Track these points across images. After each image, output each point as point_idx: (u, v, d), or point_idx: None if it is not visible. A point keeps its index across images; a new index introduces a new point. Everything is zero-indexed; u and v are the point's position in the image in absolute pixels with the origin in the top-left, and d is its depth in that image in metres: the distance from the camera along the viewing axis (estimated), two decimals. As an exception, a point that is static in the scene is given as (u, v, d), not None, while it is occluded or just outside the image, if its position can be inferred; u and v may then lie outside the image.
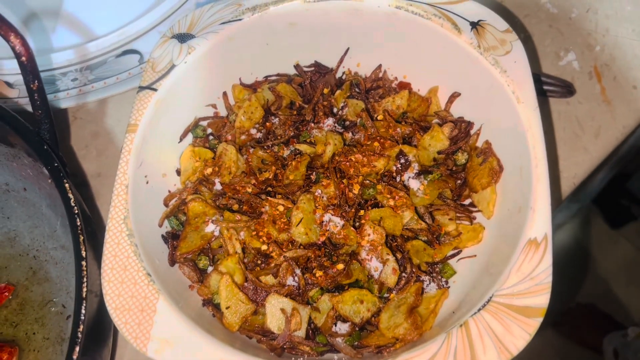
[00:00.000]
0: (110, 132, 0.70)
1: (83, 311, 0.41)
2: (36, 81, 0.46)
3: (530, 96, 0.52)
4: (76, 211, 0.45)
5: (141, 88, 0.56)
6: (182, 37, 0.59)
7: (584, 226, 1.73)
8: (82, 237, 0.44)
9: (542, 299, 0.44)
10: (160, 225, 0.56)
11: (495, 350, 0.43)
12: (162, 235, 0.56)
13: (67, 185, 0.46)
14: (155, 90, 0.56)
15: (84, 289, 0.42)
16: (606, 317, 1.52)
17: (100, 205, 0.67)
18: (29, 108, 0.64)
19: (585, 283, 1.57)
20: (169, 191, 0.59)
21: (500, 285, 0.46)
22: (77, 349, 0.40)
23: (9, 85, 0.65)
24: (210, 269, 0.55)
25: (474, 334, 0.44)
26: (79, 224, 0.45)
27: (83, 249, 0.44)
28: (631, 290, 1.58)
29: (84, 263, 0.43)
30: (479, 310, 0.45)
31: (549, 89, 0.64)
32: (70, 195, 0.45)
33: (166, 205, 0.58)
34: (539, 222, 0.47)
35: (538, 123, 0.51)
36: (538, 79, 0.63)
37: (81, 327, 0.40)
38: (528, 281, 0.45)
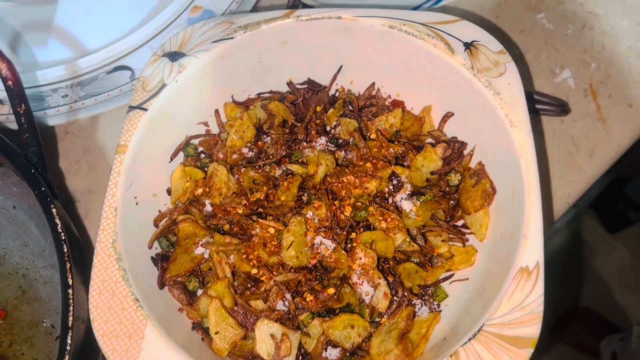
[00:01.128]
0: (102, 147, 0.70)
1: (69, 341, 0.41)
2: (23, 104, 0.46)
3: (524, 120, 0.51)
4: (63, 237, 0.44)
5: (131, 108, 0.56)
6: (173, 56, 0.58)
7: (581, 230, 1.73)
8: (68, 265, 0.44)
9: (533, 329, 0.44)
10: (150, 247, 0.55)
11: (485, 381, 0.43)
12: (152, 257, 0.55)
13: (54, 210, 0.45)
14: (145, 110, 0.56)
15: (70, 318, 0.42)
16: (603, 321, 1.52)
17: (90, 222, 0.66)
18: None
19: (582, 287, 1.57)
20: (160, 211, 0.58)
21: (491, 314, 0.45)
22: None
23: (0, 101, 0.65)
24: (200, 291, 0.54)
25: (465, 364, 0.44)
26: (65, 250, 0.44)
27: (70, 277, 0.43)
28: (628, 294, 1.58)
29: (70, 291, 0.43)
30: (470, 339, 0.44)
31: (543, 107, 0.64)
32: (57, 221, 0.45)
33: (156, 225, 0.57)
34: (531, 249, 0.47)
35: (531, 148, 0.50)
36: (531, 97, 0.63)
37: (66, 357, 0.40)
38: (519, 310, 0.45)
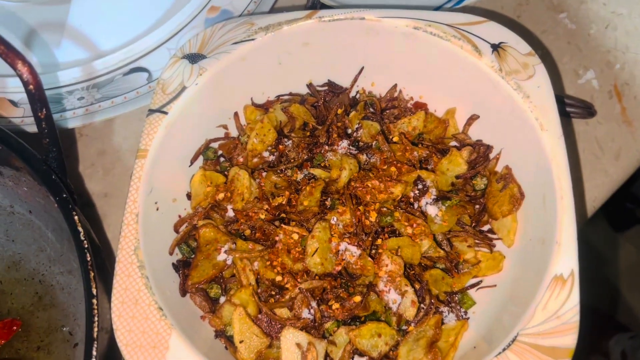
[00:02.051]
0: (118, 150, 0.69)
1: (94, 352, 0.39)
2: (44, 109, 0.44)
3: (555, 123, 0.50)
4: (86, 245, 0.43)
5: (151, 111, 0.55)
6: (193, 58, 0.57)
7: (589, 230, 1.72)
8: (92, 274, 0.42)
9: (569, 339, 0.43)
10: (171, 254, 0.54)
11: (521, 393, 0.42)
12: (173, 264, 0.54)
13: (76, 218, 0.44)
14: (165, 113, 0.55)
15: (95, 329, 0.41)
16: (612, 320, 1.51)
17: (107, 226, 0.65)
18: (34, 127, 0.63)
19: (590, 286, 1.56)
20: (180, 216, 0.57)
21: (525, 323, 0.44)
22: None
23: (14, 104, 0.63)
24: (222, 298, 0.53)
25: (499, 375, 0.42)
26: (89, 259, 0.43)
27: (94, 286, 0.42)
28: (636, 293, 1.57)
29: (94, 301, 0.42)
30: (504, 349, 0.43)
31: (570, 110, 0.62)
32: (80, 229, 0.44)
33: (177, 231, 0.56)
34: (565, 257, 0.45)
35: (563, 152, 0.49)
36: (561, 100, 0.62)
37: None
38: (554, 320, 0.44)
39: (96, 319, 0.40)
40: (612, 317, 1.53)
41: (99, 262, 0.46)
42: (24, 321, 0.59)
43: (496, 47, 0.54)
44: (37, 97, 0.43)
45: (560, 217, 0.47)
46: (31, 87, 0.43)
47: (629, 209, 1.71)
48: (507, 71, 0.53)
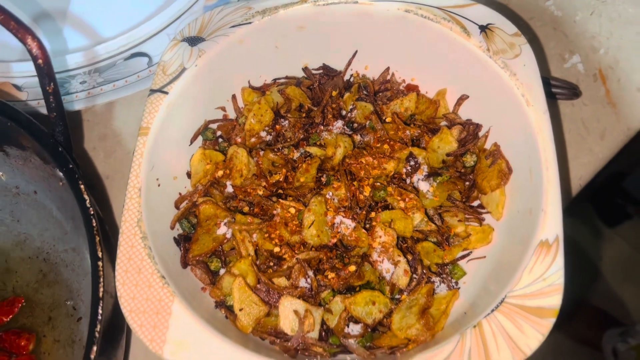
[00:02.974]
0: (118, 134, 0.71)
1: (100, 311, 0.41)
2: (52, 83, 0.46)
3: (540, 99, 0.52)
4: (92, 212, 0.45)
5: (152, 91, 0.57)
6: (193, 41, 0.59)
7: (581, 225, 1.74)
8: (98, 238, 0.44)
9: (554, 300, 0.45)
10: (172, 228, 0.56)
11: (509, 350, 0.44)
12: (174, 238, 0.56)
13: (82, 186, 0.46)
14: (166, 93, 0.57)
15: (101, 289, 0.42)
16: (604, 314, 1.54)
17: (109, 208, 0.67)
18: (39, 111, 0.65)
19: (582, 280, 1.59)
20: (180, 194, 0.59)
21: (512, 286, 0.46)
22: (95, 348, 0.40)
23: (18, 88, 0.65)
24: (222, 271, 0.55)
25: (488, 334, 0.44)
26: (94, 224, 0.45)
27: (99, 250, 0.44)
28: (627, 287, 1.60)
29: (100, 263, 0.43)
30: (492, 311, 0.45)
31: (556, 91, 0.65)
32: (86, 197, 0.45)
33: (177, 207, 0.58)
34: (551, 223, 0.48)
35: (548, 126, 0.51)
36: (547, 81, 0.64)
37: (98, 326, 0.41)
38: (540, 282, 0.46)
39: (101, 280, 0.42)
40: (604, 311, 1.55)
41: (103, 232, 0.48)
42: (28, 298, 0.60)
43: (484, 28, 0.57)
44: (46, 71, 0.45)
45: (546, 187, 0.49)
46: (40, 61, 0.45)
47: (619, 205, 1.74)
48: (495, 51, 0.56)
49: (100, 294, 0.41)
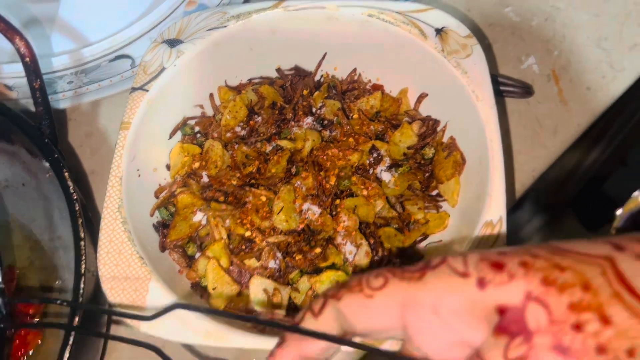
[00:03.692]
0: (104, 132, 0.75)
1: (82, 285, 0.45)
2: (38, 80, 0.51)
3: (488, 94, 0.57)
4: (75, 197, 0.49)
5: (133, 89, 0.61)
6: (172, 42, 0.64)
7: (562, 229, 1.79)
8: (80, 220, 0.48)
9: (496, 274, 0.49)
10: (152, 215, 0.60)
11: (455, 319, 0.48)
12: (153, 225, 0.60)
13: (66, 174, 0.50)
14: (146, 90, 0.61)
15: (83, 266, 0.47)
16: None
17: (93, 201, 0.71)
18: (28, 108, 0.69)
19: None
20: (160, 185, 0.63)
21: (460, 262, 0.51)
22: (77, 318, 0.44)
23: (8, 87, 0.70)
24: (198, 254, 0.59)
25: (436, 305, 0.49)
26: (77, 208, 0.49)
27: (81, 231, 0.48)
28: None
29: (82, 243, 0.48)
30: (441, 284, 0.50)
31: (508, 89, 0.70)
32: (69, 183, 0.50)
33: (157, 197, 0.62)
34: (495, 206, 0.52)
35: (495, 119, 0.56)
36: (495, 79, 0.69)
37: (81, 299, 0.45)
38: (484, 258, 0.50)
39: (83, 257, 0.46)
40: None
41: (86, 217, 0.52)
42: (19, 282, 0.64)
43: (439, 31, 0.62)
44: (33, 68, 0.50)
45: (492, 174, 0.54)
46: (27, 59, 0.49)
47: (599, 208, 1.79)
48: (449, 51, 0.61)
49: (83, 271, 0.46)
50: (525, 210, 1.66)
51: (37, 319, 0.55)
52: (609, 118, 1.34)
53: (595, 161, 1.50)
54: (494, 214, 0.52)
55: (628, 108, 1.30)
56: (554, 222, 1.86)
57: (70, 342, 0.43)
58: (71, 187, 0.49)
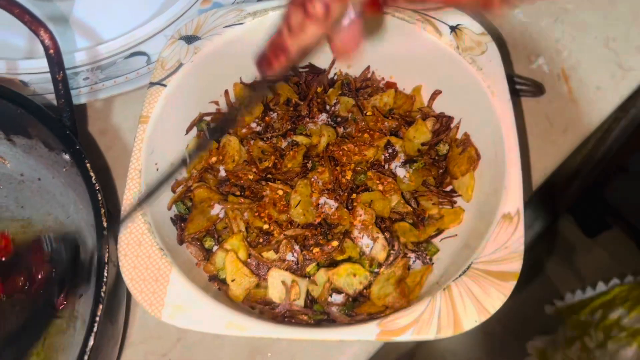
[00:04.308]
0: (118, 129, 0.75)
1: (105, 274, 0.46)
2: (61, 72, 0.51)
3: (503, 90, 0.58)
4: (97, 187, 0.50)
5: (152, 84, 0.62)
6: (189, 39, 0.65)
7: (561, 234, 1.81)
8: (103, 210, 0.49)
9: (515, 265, 0.50)
10: (169, 209, 0.61)
11: (474, 309, 0.48)
12: (171, 218, 0.61)
13: (88, 165, 0.51)
14: (165, 85, 0.62)
15: (106, 255, 0.47)
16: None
17: (108, 196, 0.71)
18: (45, 104, 0.69)
19: (564, 288, 1.64)
20: (176, 179, 0.64)
21: (478, 254, 0.51)
22: (101, 306, 0.44)
23: (24, 84, 0.70)
24: (215, 248, 0.60)
25: (456, 296, 0.49)
26: (100, 198, 0.49)
27: (104, 220, 0.48)
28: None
29: (104, 233, 0.48)
30: (460, 275, 0.50)
31: (522, 88, 0.71)
32: (92, 174, 0.50)
33: (174, 191, 0.63)
34: (512, 198, 0.53)
35: (510, 113, 0.57)
36: (511, 79, 0.70)
37: (104, 287, 0.45)
38: (503, 250, 0.51)
39: (107, 247, 0.46)
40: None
41: (108, 207, 0.52)
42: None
43: (454, 29, 0.63)
44: (56, 60, 0.50)
45: (508, 167, 0.55)
46: (51, 51, 0.50)
47: (599, 215, 1.80)
48: (464, 48, 0.61)
49: (106, 259, 0.46)
50: (525, 215, 1.67)
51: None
52: (610, 124, 1.36)
53: (596, 167, 1.51)
54: (511, 206, 0.53)
55: (628, 114, 1.32)
56: (553, 227, 1.87)
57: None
58: (93, 178, 0.49)
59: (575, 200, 1.75)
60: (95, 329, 0.43)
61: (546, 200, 1.70)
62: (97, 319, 0.43)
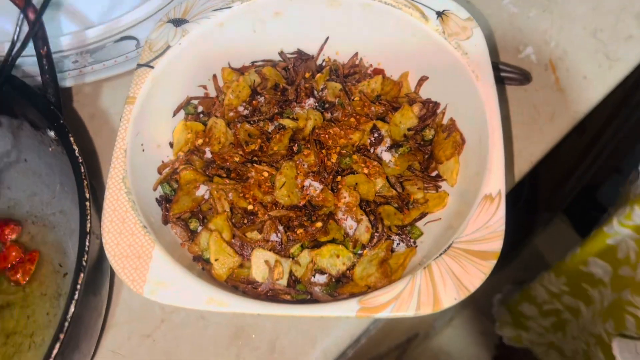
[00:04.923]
0: (106, 113, 0.76)
1: (87, 243, 0.46)
2: (45, 47, 0.51)
3: (488, 74, 0.58)
4: (80, 160, 0.50)
5: (139, 65, 0.62)
6: (177, 22, 0.65)
7: (556, 235, 1.81)
8: (85, 182, 0.49)
9: (496, 245, 0.50)
10: (155, 189, 0.61)
11: (454, 287, 0.49)
12: (156, 199, 0.61)
13: (72, 139, 0.51)
14: (152, 67, 0.62)
15: (88, 225, 0.47)
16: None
17: (95, 179, 0.72)
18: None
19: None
20: (162, 161, 0.64)
21: (460, 234, 0.52)
22: (82, 275, 0.44)
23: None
24: (200, 229, 0.60)
25: (436, 274, 0.50)
26: (82, 170, 0.49)
27: (87, 192, 0.48)
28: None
29: (87, 204, 0.48)
30: (440, 254, 0.51)
31: (508, 76, 0.71)
32: (75, 147, 0.50)
33: (160, 173, 0.63)
34: (494, 180, 0.53)
35: (494, 97, 0.57)
36: (496, 66, 0.70)
37: (85, 256, 0.45)
38: (484, 230, 0.51)
39: (88, 217, 0.46)
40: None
41: (90, 185, 0.52)
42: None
43: (440, 14, 0.63)
44: (40, 35, 0.50)
45: (491, 150, 0.55)
46: (35, 24, 0.50)
47: (593, 215, 1.81)
48: (449, 33, 0.62)
49: (88, 229, 0.46)
50: (519, 214, 1.68)
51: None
52: (603, 123, 1.36)
53: (590, 168, 1.52)
54: (493, 187, 0.53)
55: (622, 114, 1.32)
56: (548, 227, 1.87)
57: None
58: (77, 151, 0.49)
59: (570, 200, 1.76)
60: (76, 297, 0.43)
61: (540, 199, 1.71)
62: (79, 287, 0.43)
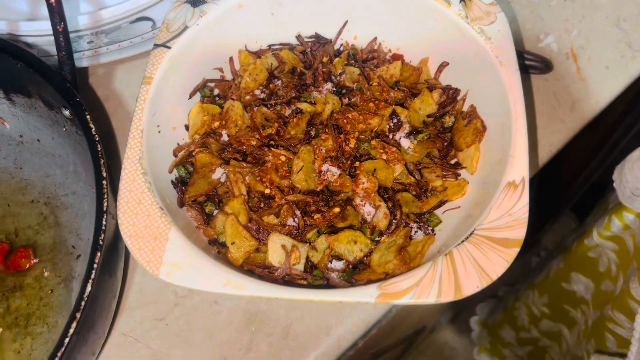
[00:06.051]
0: (120, 95, 0.75)
1: (104, 222, 0.45)
2: (62, 23, 0.50)
3: (512, 60, 0.57)
4: (97, 138, 0.49)
5: (156, 45, 0.61)
6: (195, 2, 0.64)
7: (564, 231, 1.80)
8: (102, 160, 0.48)
9: (519, 232, 0.49)
10: (170, 172, 0.60)
11: (476, 275, 0.48)
12: (172, 181, 0.60)
13: (88, 117, 0.50)
14: (169, 48, 0.61)
15: (105, 204, 0.46)
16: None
17: (111, 162, 0.71)
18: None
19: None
20: (178, 144, 0.63)
21: (482, 221, 0.51)
22: (99, 254, 0.43)
23: (28, 45, 0.69)
24: (216, 212, 0.59)
25: (458, 261, 0.49)
26: (99, 148, 0.49)
27: (103, 170, 0.48)
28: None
29: (104, 182, 0.47)
30: (462, 242, 0.50)
31: (529, 64, 0.70)
32: (92, 125, 0.49)
33: (175, 155, 0.62)
34: (517, 166, 0.52)
35: (518, 83, 0.56)
36: (521, 55, 0.69)
37: (102, 235, 0.44)
38: (507, 217, 0.50)
39: (105, 196, 0.45)
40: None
41: (109, 164, 0.52)
42: (29, 238, 0.64)
43: (463, -2, 0.62)
44: (57, 10, 0.50)
45: (514, 136, 0.54)
46: (52, 1, 0.49)
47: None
48: (472, 18, 0.61)
49: (105, 208, 0.45)
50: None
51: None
52: (615, 120, 1.34)
53: (600, 165, 1.51)
54: (516, 174, 0.52)
55: (633, 110, 1.31)
56: (556, 223, 1.86)
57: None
58: (93, 129, 0.48)
59: (579, 197, 1.75)
60: (93, 276, 0.42)
61: (548, 196, 1.70)
62: (95, 266, 0.42)
